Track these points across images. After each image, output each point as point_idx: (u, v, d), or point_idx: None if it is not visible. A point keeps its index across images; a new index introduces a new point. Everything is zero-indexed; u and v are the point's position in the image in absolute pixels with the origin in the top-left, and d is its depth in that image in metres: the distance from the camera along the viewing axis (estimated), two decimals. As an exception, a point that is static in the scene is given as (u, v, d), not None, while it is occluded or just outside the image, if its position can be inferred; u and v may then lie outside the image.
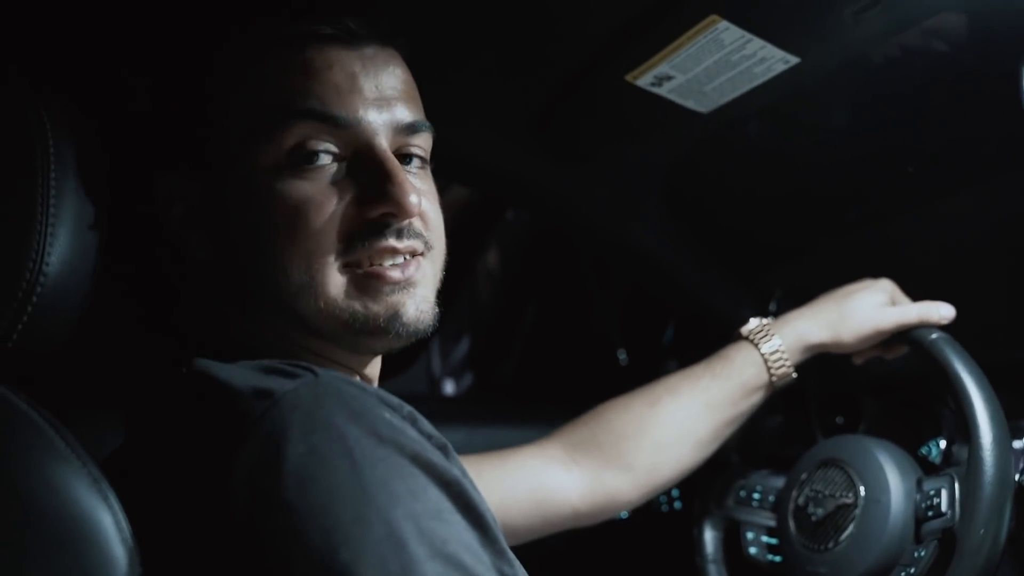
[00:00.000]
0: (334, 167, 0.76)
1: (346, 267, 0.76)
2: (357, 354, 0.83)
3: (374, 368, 0.87)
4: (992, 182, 1.16)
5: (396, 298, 0.77)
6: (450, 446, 0.69)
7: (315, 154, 0.75)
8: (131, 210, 0.81)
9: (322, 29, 0.76)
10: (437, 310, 0.81)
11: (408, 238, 0.78)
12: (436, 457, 0.65)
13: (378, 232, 0.76)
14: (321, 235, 0.74)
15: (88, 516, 0.62)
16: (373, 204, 0.75)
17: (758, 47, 0.99)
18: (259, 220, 0.75)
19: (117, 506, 0.64)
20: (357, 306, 0.76)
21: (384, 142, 0.77)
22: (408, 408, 0.68)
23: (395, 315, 0.77)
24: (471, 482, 0.67)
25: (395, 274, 0.77)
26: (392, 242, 0.76)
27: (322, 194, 0.75)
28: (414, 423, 0.67)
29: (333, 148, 0.76)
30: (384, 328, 0.76)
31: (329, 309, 0.76)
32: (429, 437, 0.67)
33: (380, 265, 0.77)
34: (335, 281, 0.76)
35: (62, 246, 0.68)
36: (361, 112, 0.76)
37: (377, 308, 0.76)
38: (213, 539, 0.62)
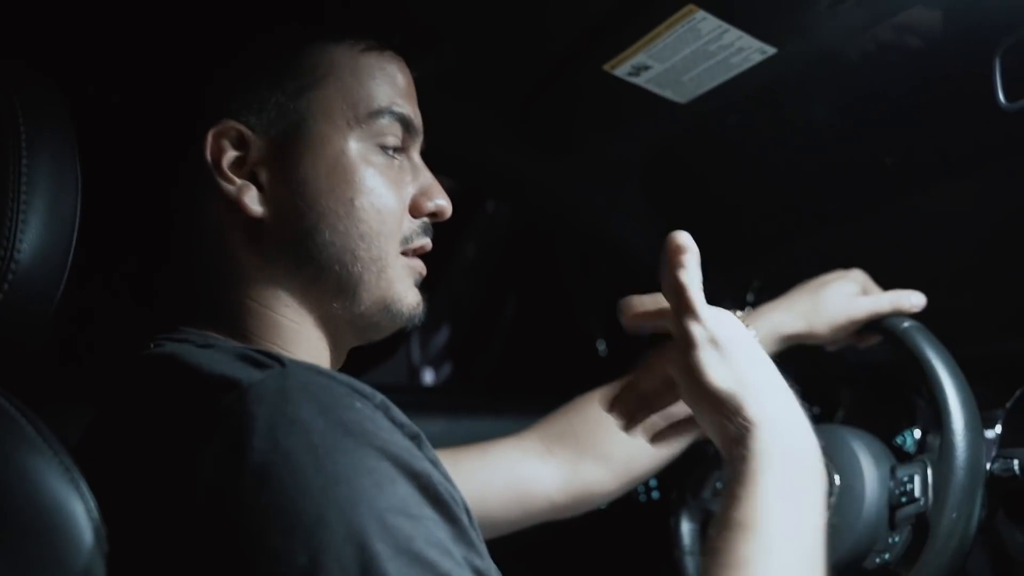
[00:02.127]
0: (397, 162, 0.85)
1: (400, 252, 0.85)
2: (366, 332, 0.87)
3: (345, 354, 0.90)
4: (968, 176, 1.17)
5: (418, 291, 0.87)
6: (423, 435, 0.68)
7: (396, 149, 0.85)
8: (119, 196, 0.83)
9: (393, 39, 0.86)
10: None
11: (430, 236, 0.88)
12: (405, 448, 0.64)
13: (422, 228, 0.87)
14: (393, 218, 0.83)
15: (59, 504, 0.62)
16: (428, 203, 0.86)
17: (735, 37, 0.99)
18: (339, 195, 0.80)
19: (88, 494, 0.64)
20: (401, 289, 0.85)
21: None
22: (380, 397, 0.68)
23: (418, 305, 0.86)
24: (444, 473, 0.66)
25: (423, 269, 0.88)
26: (428, 239, 0.88)
27: (395, 183, 0.84)
28: (386, 412, 0.66)
29: (400, 146, 0.85)
30: (409, 316, 0.86)
31: (386, 284, 0.83)
32: (401, 426, 0.67)
33: (416, 255, 0.87)
34: (396, 262, 0.84)
35: (34, 235, 0.67)
36: (417, 122, 0.87)
37: (411, 297, 0.86)
38: (179, 532, 0.62)
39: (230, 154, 0.80)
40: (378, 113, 0.83)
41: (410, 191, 0.86)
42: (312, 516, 0.57)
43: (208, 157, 0.79)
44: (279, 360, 0.66)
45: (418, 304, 0.86)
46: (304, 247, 0.80)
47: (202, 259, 0.82)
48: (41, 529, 0.61)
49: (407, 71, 0.88)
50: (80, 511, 0.63)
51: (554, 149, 1.27)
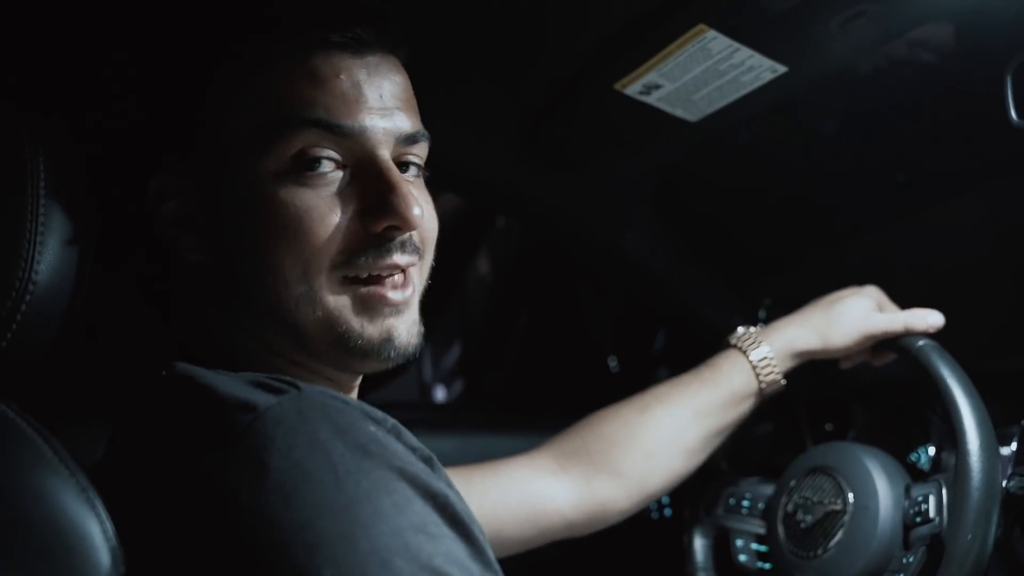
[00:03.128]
0: (337, 175, 0.75)
1: (346, 280, 0.75)
2: (340, 371, 0.81)
3: (356, 382, 0.86)
4: (980, 192, 1.16)
5: (391, 321, 0.77)
6: (435, 458, 0.69)
7: (318, 161, 0.73)
8: (121, 215, 0.81)
9: (332, 37, 0.74)
10: (423, 329, 0.82)
11: (409, 253, 0.78)
12: (421, 470, 0.65)
13: (381, 246, 0.75)
14: (324, 245, 0.73)
15: (76, 524, 0.62)
16: (378, 216, 0.75)
17: (746, 56, 0.99)
18: (259, 226, 0.73)
19: (104, 514, 0.64)
20: (355, 324, 0.76)
21: (387, 152, 0.77)
22: (392, 421, 0.68)
23: (388, 339, 0.77)
24: (457, 494, 0.67)
25: (395, 296, 0.77)
26: (396, 258, 0.76)
27: (325, 203, 0.74)
28: (398, 436, 0.67)
29: (336, 156, 0.75)
30: (377, 351, 0.76)
31: (327, 322, 0.75)
32: (414, 450, 0.67)
33: (379, 280, 0.77)
34: (336, 294, 0.75)
35: (51, 255, 0.68)
36: (366, 121, 0.75)
37: (372, 330, 0.76)
38: (197, 552, 0.62)
39: (169, 203, 0.77)
40: (295, 126, 0.73)
41: (351, 207, 0.75)
42: (336, 532, 0.58)
43: (149, 210, 0.78)
44: (294, 385, 0.67)
45: (387, 338, 0.76)
46: (239, 294, 0.76)
47: (184, 305, 0.83)
48: (57, 548, 0.61)
49: (353, 67, 0.75)
50: (96, 531, 0.63)
51: (565, 167, 1.27)
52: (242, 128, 0.73)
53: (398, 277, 0.78)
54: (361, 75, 0.76)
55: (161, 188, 0.77)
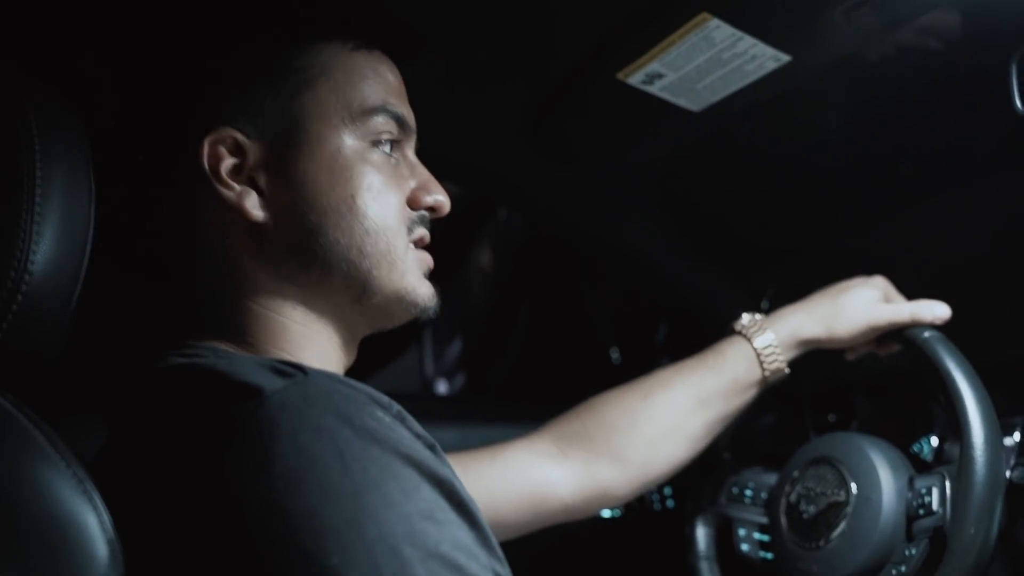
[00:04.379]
0: (393, 159, 0.86)
1: (409, 244, 0.86)
2: (370, 327, 0.88)
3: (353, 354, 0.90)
4: (985, 182, 1.16)
5: (430, 283, 0.89)
6: (438, 446, 0.69)
7: (386, 142, 0.85)
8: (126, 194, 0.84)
9: (381, 40, 0.88)
10: None
11: (428, 230, 0.90)
12: (427, 456, 0.65)
13: (423, 220, 0.88)
14: (399, 212, 0.84)
15: (72, 516, 0.62)
16: (424, 195, 0.87)
17: (749, 45, 0.99)
18: (340, 191, 0.81)
19: (102, 506, 0.64)
20: (415, 281, 0.86)
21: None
22: (397, 407, 0.68)
23: (431, 296, 0.88)
24: (461, 483, 0.66)
25: (431, 261, 0.89)
26: (426, 232, 0.88)
27: (394, 179, 0.85)
28: (403, 422, 0.67)
29: (396, 139, 0.87)
30: (423, 307, 0.87)
31: (396, 276, 0.84)
32: (418, 436, 0.67)
33: (423, 247, 0.88)
34: (408, 255, 0.85)
35: (48, 245, 0.67)
36: (408, 114, 0.88)
37: (424, 289, 0.87)
38: (200, 540, 0.62)
39: (228, 161, 0.80)
40: (372, 111, 0.83)
41: (409, 185, 0.86)
42: (343, 519, 0.58)
43: (205, 164, 0.80)
44: (301, 369, 0.67)
45: (432, 296, 0.88)
46: (309, 248, 0.81)
47: (204, 268, 0.82)
48: (54, 541, 0.61)
49: (396, 71, 0.89)
50: (93, 523, 0.63)
51: (567, 158, 1.27)
52: (323, 103, 0.82)
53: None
54: (399, 75, 0.89)
55: (215, 147, 0.80)
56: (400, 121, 0.86)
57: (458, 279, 2.19)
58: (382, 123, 0.84)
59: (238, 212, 0.80)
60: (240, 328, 0.81)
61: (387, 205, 0.83)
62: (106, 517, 0.64)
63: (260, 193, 0.81)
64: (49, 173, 0.68)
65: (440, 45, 1.00)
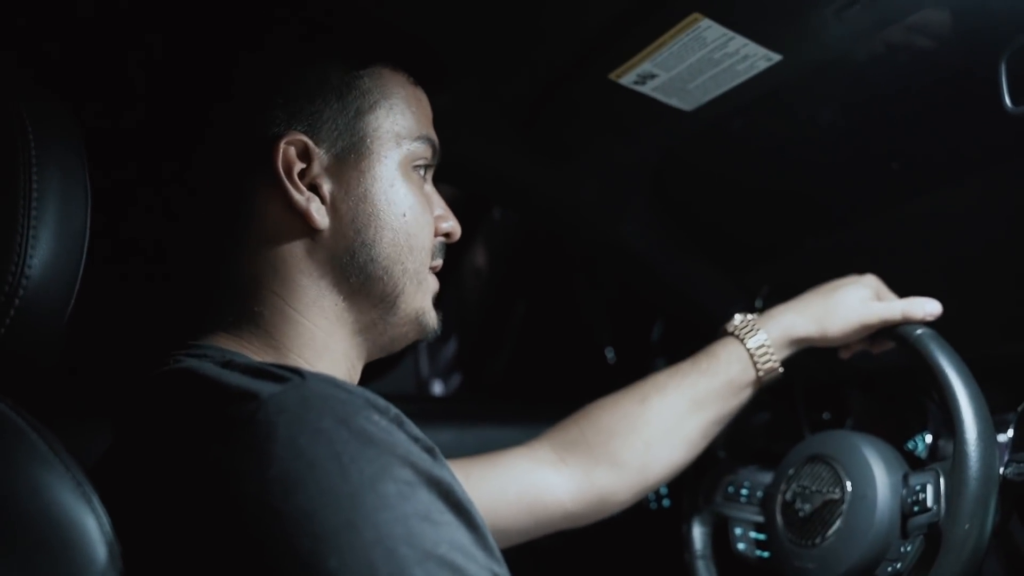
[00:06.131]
0: (426, 185, 0.92)
1: (430, 269, 0.91)
2: (382, 350, 0.91)
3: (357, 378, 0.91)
4: (975, 179, 1.16)
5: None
6: (437, 450, 0.69)
7: (423, 168, 0.91)
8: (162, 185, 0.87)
9: (423, 72, 0.93)
10: None
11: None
12: (425, 458, 0.65)
13: (441, 248, 0.94)
14: (429, 235, 0.90)
15: (72, 519, 0.62)
16: (442, 223, 0.93)
17: (740, 45, 0.99)
18: (395, 208, 0.86)
19: (101, 509, 0.64)
20: (427, 305, 0.91)
21: None
22: (395, 410, 0.68)
23: (437, 321, 0.93)
24: (459, 485, 0.67)
25: (438, 287, 0.94)
26: (441, 260, 0.94)
27: (427, 203, 0.90)
28: (400, 425, 0.67)
29: (431, 166, 0.93)
30: (431, 331, 0.92)
31: (417, 298, 0.89)
32: (416, 440, 0.67)
33: (435, 273, 0.94)
34: (428, 276, 0.91)
35: (45, 248, 0.67)
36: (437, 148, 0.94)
37: (434, 313, 0.92)
38: (198, 542, 0.62)
39: (298, 165, 0.82)
40: (419, 138, 0.89)
41: (435, 211, 0.92)
42: (340, 521, 0.59)
43: (279, 165, 0.81)
44: (298, 372, 0.67)
45: (437, 321, 0.93)
46: (357, 258, 0.84)
47: (246, 264, 0.83)
48: (53, 544, 0.61)
49: (428, 101, 0.95)
50: (92, 526, 0.63)
51: (561, 157, 1.27)
52: (384, 126, 0.87)
53: None
54: (430, 106, 0.95)
55: (288, 150, 0.82)
56: (435, 150, 0.92)
57: (452, 278, 2.19)
58: (423, 150, 0.89)
59: (301, 216, 0.82)
60: (265, 328, 0.82)
61: (427, 225, 0.89)
62: (105, 520, 0.64)
63: (323, 201, 0.83)
64: (45, 177, 0.68)
65: (434, 45, 1.00)
